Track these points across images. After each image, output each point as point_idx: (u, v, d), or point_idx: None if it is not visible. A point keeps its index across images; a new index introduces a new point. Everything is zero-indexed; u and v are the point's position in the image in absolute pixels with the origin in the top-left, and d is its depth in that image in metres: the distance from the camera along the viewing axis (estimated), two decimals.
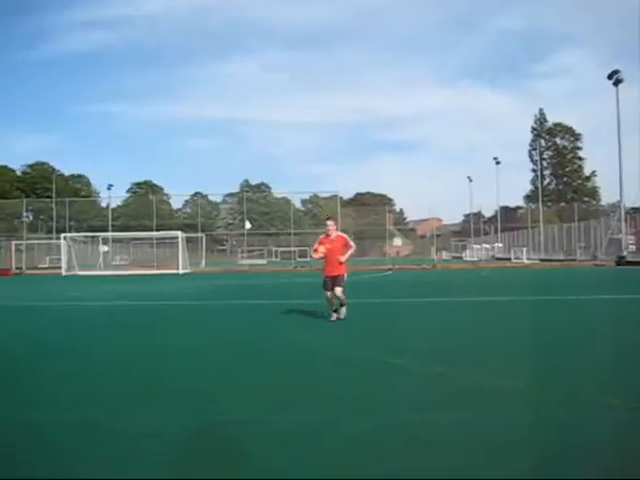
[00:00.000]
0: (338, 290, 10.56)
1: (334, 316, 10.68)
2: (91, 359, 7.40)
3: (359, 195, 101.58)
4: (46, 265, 47.54)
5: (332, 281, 10.67)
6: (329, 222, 11.09)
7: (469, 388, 5.46)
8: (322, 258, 10.84)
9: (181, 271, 37.68)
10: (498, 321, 11.10)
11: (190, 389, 5.63)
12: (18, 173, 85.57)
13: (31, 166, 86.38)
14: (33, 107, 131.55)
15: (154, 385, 5.86)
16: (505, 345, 8.08)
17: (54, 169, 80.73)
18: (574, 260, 45.75)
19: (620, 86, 40.49)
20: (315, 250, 10.92)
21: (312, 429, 4.35)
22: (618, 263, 37.37)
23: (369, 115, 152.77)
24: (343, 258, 10.70)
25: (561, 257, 50.15)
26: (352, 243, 10.99)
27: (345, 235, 11.18)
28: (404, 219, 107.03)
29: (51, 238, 50.00)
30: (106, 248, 48.59)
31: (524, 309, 13.02)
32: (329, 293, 10.74)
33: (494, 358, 6.93)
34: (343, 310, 10.74)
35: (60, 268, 38.99)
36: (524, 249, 50.59)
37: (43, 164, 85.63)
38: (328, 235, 10.94)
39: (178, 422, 4.56)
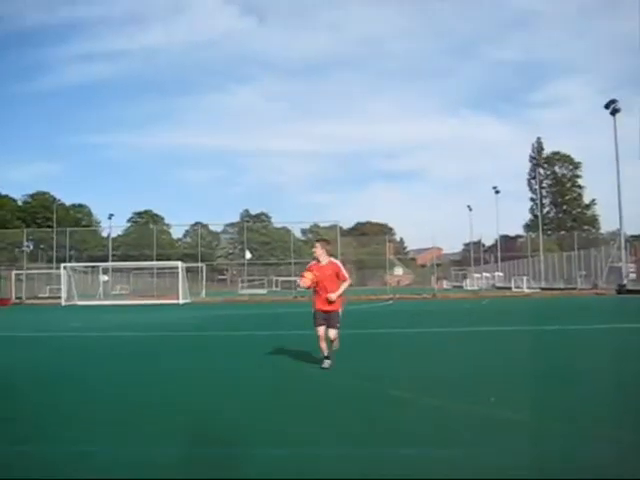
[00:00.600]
0: (332, 333, 8.71)
1: (326, 363, 8.62)
2: (88, 387, 7.36)
3: (359, 224, 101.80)
4: (46, 295, 47.51)
5: (325, 317, 8.70)
6: (316, 245, 9.07)
7: (466, 420, 5.43)
8: (310, 287, 8.89)
9: (181, 301, 37.60)
10: (497, 351, 11.06)
11: (186, 418, 5.61)
12: (19, 203, 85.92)
13: (32, 196, 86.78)
14: (34, 137, 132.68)
15: (151, 413, 5.83)
16: (504, 376, 8.05)
17: (55, 199, 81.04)
18: (575, 289, 45.67)
19: (618, 115, 40.83)
20: (302, 276, 8.98)
21: (304, 462, 4.33)
22: (619, 291, 37.32)
23: (369, 144, 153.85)
24: (334, 296, 8.67)
25: (562, 286, 50.08)
26: (346, 274, 8.93)
27: (338, 262, 9.04)
28: (404, 248, 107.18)
29: (51, 268, 50.00)
30: (106, 278, 48.56)
31: (524, 339, 12.97)
32: (321, 329, 8.69)
33: (492, 389, 6.89)
34: (328, 362, 8.67)
35: (60, 298, 38.90)
36: (524, 278, 50.53)
37: (44, 194, 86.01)
38: (318, 261, 8.92)
39: (173, 452, 4.54)
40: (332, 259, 9.03)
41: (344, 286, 8.83)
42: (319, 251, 8.92)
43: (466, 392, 6.78)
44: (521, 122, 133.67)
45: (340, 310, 8.87)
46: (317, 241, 9.32)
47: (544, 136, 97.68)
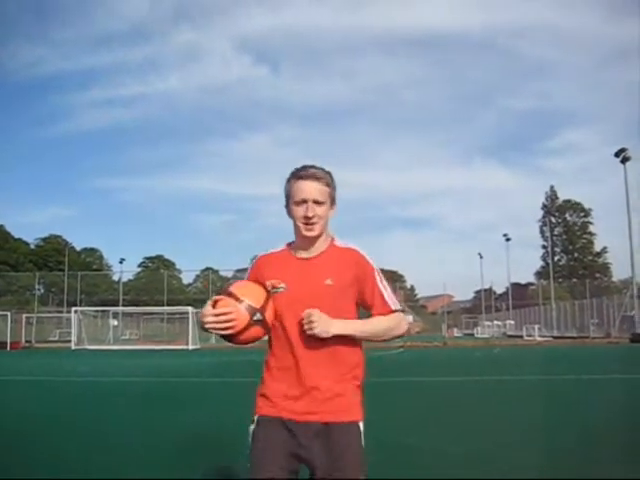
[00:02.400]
0: None
1: None
2: (95, 434, 7.31)
3: None
4: (56, 338, 47.44)
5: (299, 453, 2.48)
6: None
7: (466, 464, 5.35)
8: None
9: (191, 347, 37.46)
10: (508, 402, 10.90)
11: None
12: (32, 246, 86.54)
13: (44, 239, 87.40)
14: (49, 181, 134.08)
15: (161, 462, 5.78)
16: (512, 426, 7.93)
17: (67, 242, 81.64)
18: (587, 337, 45.19)
19: (628, 163, 41.00)
20: None
21: None
22: (632, 340, 36.87)
23: (380, 191, 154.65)
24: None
25: (574, 334, 49.59)
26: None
27: None
28: (415, 295, 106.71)
29: (61, 311, 50.10)
30: (116, 322, 48.53)
31: (538, 389, 12.80)
32: None
33: (500, 439, 6.79)
34: None
35: (70, 342, 38.87)
36: (536, 326, 50.07)
37: (56, 237, 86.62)
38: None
39: None
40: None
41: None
42: None
43: (481, 444, 6.68)
44: (532, 169, 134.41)
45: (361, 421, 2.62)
46: None
47: (555, 184, 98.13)
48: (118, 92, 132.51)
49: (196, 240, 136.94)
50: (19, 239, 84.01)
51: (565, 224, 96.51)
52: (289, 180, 2.67)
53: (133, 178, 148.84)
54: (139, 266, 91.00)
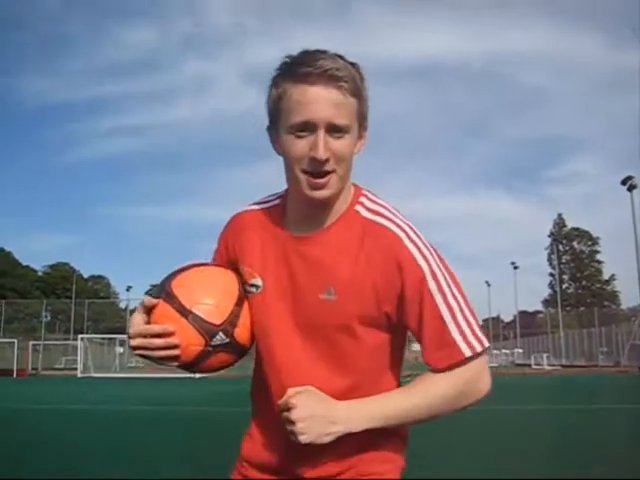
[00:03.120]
0: None
1: None
2: (104, 462, 7.28)
3: None
4: (62, 366, 47.34)
5: None
6: None
7: None
8: None
9: (197, 375, 37.28)
10: (519, 432, 10.80)
11: None
12: (39, 274, 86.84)
13: (52, 267, 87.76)
14: (58, 209, 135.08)
15: None
16: (518, 457, 7.85)
17: (74, 270, 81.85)
18: (596, 366, 44.79)
19: (635, 191, 40.96)
20: None
21: None
22: None
23: None
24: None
25: (583, 362, 49.17)
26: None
27: None
28: None
29: (68, 339, 50.06)
30: (122, 350, 48.42)
31: (548, 419, 12.69)
32: None
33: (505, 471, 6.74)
34: None
35: (76, 369, 38.77)
36: (545, 355, 49.71)
37: (64, 264, 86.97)
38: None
39: None
40: None
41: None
42: None
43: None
44: (537, 198, 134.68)
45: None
46: None
47: (561, 212, 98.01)
48: (127, 121, 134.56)
49: None
50: (27, 266, 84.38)
51: (573, 252, 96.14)
52: (276, 82, 1.42)
53: (140, 206, 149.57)
54: (146, 293, 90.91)
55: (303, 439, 1.32)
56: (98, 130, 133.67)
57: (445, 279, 1.43)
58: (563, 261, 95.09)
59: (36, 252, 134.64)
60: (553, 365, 47.77)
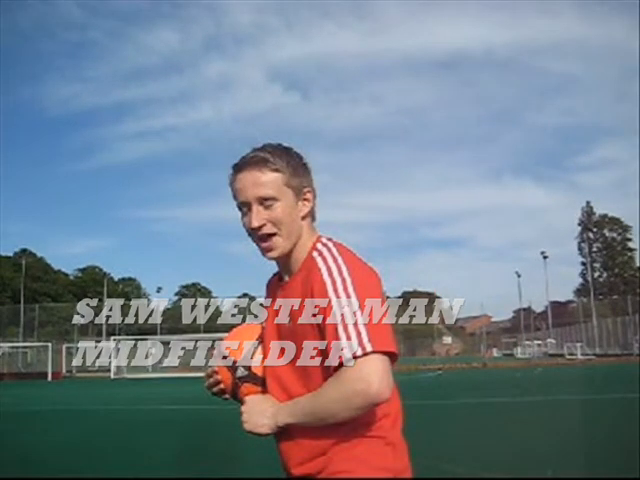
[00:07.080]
0: None
1: None
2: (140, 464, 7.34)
3: (406, 293, 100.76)
4: (96, 368, 47.92)
5: None
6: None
7: None
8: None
9: None
10: (555, 424, 10.67)
11: None
12: (71, 277, 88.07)
13: (83, 270, 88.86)
14: (87, 213, 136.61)
15: None
16: (556, 452, 7.75)
17: (105, 273, 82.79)
18: (632, 354, 44.09)
19: None
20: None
21: None
22: None
23: (413, 213, 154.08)
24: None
25: (617, 352, 48.41)
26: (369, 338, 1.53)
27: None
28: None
29: (100, 341, 50.67)
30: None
31: (586, 410, 12.51)
32: None
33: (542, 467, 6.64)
34: None
35: (109, 371, 39.26)
36: (578, 345, 49.08)
37: (94, 268, 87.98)
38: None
39: None
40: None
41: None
42: None
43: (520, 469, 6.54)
44: (566, 186, 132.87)
45: None
46: None
47: (590, 199, 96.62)
48: (151, 124, 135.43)
49: (232, 267, 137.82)
50: (59, 271, 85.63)
51: (604, 240, 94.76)
52: (230, 173, 1.77)
53: (168, 208, 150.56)
54: (176, 294, 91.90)
55: (244, 427, 1.68)
56: (124, 133, 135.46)
57: (344, 289, 1.58)
58: (594, 249, 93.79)
59: (67, 256, 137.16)
60: (587, 355, 47.15)
